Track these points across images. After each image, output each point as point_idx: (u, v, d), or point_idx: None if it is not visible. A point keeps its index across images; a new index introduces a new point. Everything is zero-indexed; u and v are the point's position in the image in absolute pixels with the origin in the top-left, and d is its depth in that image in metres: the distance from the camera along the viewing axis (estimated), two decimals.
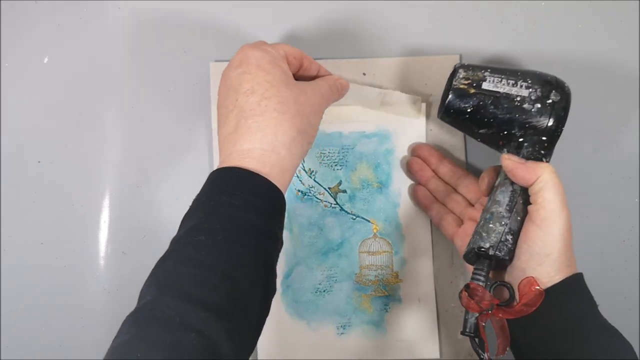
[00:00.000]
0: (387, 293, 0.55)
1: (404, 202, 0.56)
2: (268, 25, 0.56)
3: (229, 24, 0.56)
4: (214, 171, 0.43)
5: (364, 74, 0.56)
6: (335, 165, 0.56)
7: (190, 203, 0.40)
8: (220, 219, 0.40)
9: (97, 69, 0.55)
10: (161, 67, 0.55)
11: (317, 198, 0.55)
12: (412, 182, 0.56)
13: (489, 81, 0.48)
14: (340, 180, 0.56)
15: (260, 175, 0.41)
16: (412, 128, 0.56)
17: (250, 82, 0.43)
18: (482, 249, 0.46)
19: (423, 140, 0.56)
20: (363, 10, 0.57)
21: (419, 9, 0.57)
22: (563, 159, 0.58)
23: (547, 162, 0.48)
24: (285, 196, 0.53)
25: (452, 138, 0.56)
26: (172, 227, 0.55)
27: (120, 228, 0.55)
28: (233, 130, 0.43)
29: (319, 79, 0.50)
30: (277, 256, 0.43)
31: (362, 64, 0.56)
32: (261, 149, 0.42)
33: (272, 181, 0.42)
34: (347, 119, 0.56)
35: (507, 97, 0.47)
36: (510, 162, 0.47)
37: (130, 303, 0.54)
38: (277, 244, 0.43)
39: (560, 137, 0.47)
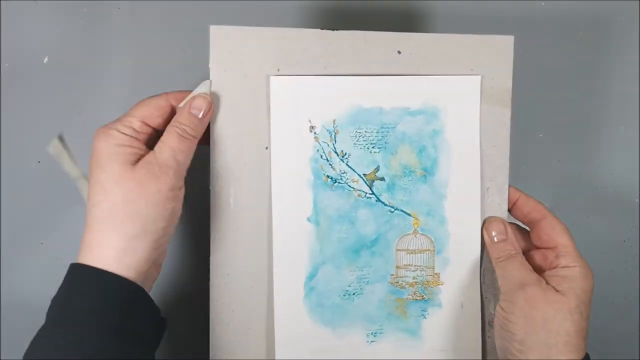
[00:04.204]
0: (426, 297, 0.49)
1: (452, 193, 0.48)
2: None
3: (228, 24, 0.56)
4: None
5: (399, 52, 0.46)
6: (373, 148, 0.47)
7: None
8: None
9: (97, 69, 0.55)
10: (161, 67, 0.55)
11: (349, 186, 0.47)
12: (461, 169, 0.48)
13: None
14: (378, 166, 0.48)
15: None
16: (465, 106, 0.47)
17: (91, 179, 0.41)
18: None
19: (477, 120, 0.47)
20: None
21: None
22: (564, 159, 0.58)
23: None
24: (312, 183, 0.47)
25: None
26: None
27: None
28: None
29: (160, 145, 0.42)
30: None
31: (397, 39, 0.46)
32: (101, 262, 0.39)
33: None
34: (388, 91, 0.47)
35: None
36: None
37: None
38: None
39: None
